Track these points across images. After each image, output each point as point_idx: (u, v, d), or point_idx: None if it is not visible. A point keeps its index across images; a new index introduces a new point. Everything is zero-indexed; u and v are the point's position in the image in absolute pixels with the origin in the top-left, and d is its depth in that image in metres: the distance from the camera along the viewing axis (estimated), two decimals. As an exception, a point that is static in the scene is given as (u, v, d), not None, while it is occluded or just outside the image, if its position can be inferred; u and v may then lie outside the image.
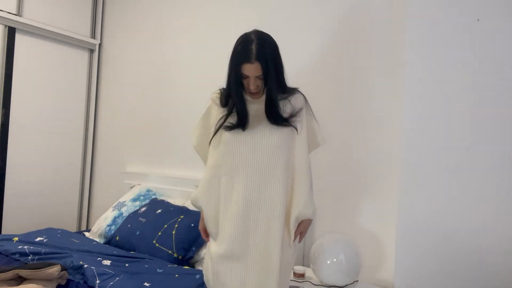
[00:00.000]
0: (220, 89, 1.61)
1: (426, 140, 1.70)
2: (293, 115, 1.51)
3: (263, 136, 1.48)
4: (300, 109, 1.54)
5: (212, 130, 1.56)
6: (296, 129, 1.52)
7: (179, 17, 2.94)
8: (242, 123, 1.49)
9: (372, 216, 2.02)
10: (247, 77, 1.44)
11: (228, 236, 1.45)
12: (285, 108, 1.51)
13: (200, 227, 1.61)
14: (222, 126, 1.51)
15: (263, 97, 1.50)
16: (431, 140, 1.69)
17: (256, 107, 1.53)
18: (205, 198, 1.53)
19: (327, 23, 2.22)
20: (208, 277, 1.54)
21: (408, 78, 1.74)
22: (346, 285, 1.80)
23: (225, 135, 1.51)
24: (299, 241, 1.58)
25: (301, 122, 1.54)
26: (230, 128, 1.49)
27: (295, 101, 1.55)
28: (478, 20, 1.60)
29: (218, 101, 1.58)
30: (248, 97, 1.52)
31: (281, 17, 2.38)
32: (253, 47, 1.40)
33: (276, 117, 1.49)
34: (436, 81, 1.69)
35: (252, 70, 1.41)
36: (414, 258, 1.69)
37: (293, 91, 1.56)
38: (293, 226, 1.52)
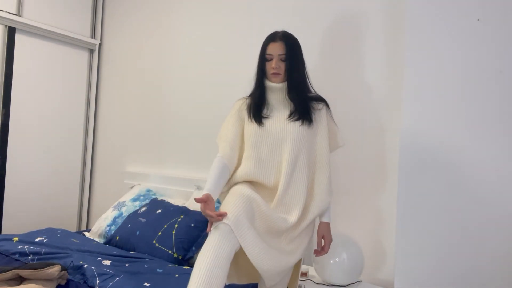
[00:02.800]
0: (243, 98, 1.70)
1: (426, 140, 1.70)
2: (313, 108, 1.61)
3: (285, 126, 1.55)
4: (321, 109, 1.63)
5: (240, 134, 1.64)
6: (311, 121, 1.57)
7: (179, 17, 2.94)
8: (258, 108, 1.58)
9: (372, 216, 2.02)
10: (271, 59, 1.55)
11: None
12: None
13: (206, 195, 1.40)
14: (250, 117, 1.59)
15: (283, 85, 1.58)
16: (431, 140, 1.69)
17: (276, 97, 1.60)
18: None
19: (325, 23, 2.22)
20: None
21: (407, 78, 1.74)
22: (348, 284, 1.81)
23: (250, 127, 1.58)
24: (326, 251, 1.61)
25: (320, 120, 1.62)
26: (256, 117, 1.57)
27: (316, 105, 1.63)
28: (478, 20, 1.60)
29: (243, 107, 1.65)
30: (269, 83, 1.59)
31: (281, 16, 2.38)
32: (280, 32, 1.59)
33: (299, 95, 1.57)
34: (435, 81, 1.69)
35: (275, 48, 1.54)
36: (414, 258, 1.69)
37: (317, 97, 1.66)
38: (312, 214, 1.56)
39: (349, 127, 2.11)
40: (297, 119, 1.55)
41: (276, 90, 1.60)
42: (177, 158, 2.87)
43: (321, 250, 1.60)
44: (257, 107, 1.59)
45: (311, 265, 1.92)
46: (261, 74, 1.60)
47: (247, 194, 1.42)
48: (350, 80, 2.12)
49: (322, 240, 1.61)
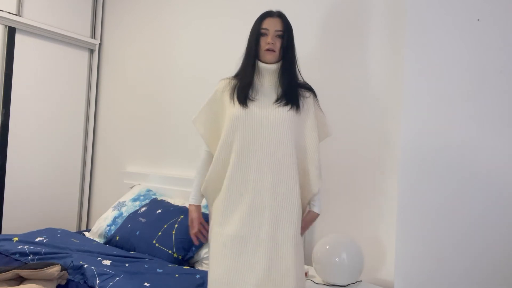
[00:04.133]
0: (228, 77, 1.59)
1: (426, 140, 1.70)
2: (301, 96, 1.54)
3: (272, 111, 1.46)
4: (308, 97, 1.55)
5: (220, 118, 1.55)
6: (298, 107, 1.49)
7: (179, 17, 2.94)
8: (244, 89, 1.47)
9: (372, 216, 2.02)
10: (265, 34, 1.47)
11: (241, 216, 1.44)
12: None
13: (196, 219, 1.60)
14: (233, 98, 1.49)
15: (276, 66, 1.50)
16: (431, 140, 1.69)
17: (264, 79, 1.51)
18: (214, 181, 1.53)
19: (325, 20, 2.22)
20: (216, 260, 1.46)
21: (407, 78, 1.74)
22: (348, 284, 1.81)
23: (233, 109, 1.47)
24: (301, 234, 1.54)
25: (308, 108, 1.53)
26: (240, 99, 1.47)
27: (304, 92, 1.56)
28: (478, 20, 1.60)
29: (226, 88, 1.55)
30: (261, 64, 1.50)
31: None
32: (275, 10, 1.52)
33: (290, 79, 1.49)
34: (435, 81, 1.69)
35: (273, 23, 1.46)
36: (414, 258, 1.69)
37: (306, 85, 1.58)
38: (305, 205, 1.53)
39: (349, 127, 2.10)
40: (285, 104, 1.46)
41: (267, 72, 1.50)
42: (177, 158, 2.87)
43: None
44: (243, 88, 1.48)
45: (311, 265, 1.92)
46: (254, 53, 1.49)
47: (228, 244, 1.41)
48: (350, 80, 2.12)
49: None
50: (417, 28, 1.73)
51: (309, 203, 1.57)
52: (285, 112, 1.45)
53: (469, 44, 1.62)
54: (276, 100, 1.47)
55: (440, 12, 1.68)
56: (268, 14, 1.50)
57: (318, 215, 1.57)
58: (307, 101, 1.54)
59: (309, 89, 1.57)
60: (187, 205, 2.48)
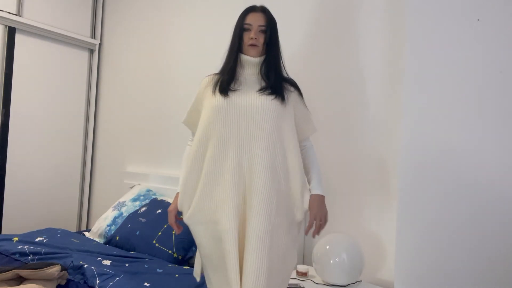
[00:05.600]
0: (212, 74, 1.57)
1: (426, 140, 1.70)
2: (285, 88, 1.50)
3: (255, 99, 1.41)
4: (293, 91, 1.52)
5: (200, 108, 1.53)
6: (283, 99, 1.45)
7: (179, 17, 2.94)
8: (226, 80, 1.44)
9: (372, 216, 2.02)
10: (249, 29, 1.46)
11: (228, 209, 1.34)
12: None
13: (173, 210, 1.50)
14: (214, 91, 1.46)
15: (259, 60, 1.48)
16: (431, 140, 1.69)
17: (247, 72, 1.49)
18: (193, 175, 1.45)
19: (324, 20, 2.22)
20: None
21: (407, 78, 1.74)
22: (348, 284, 1.81)
23: (213, 100, 1.44)
24: (317, 232, 1.44)
25: (293, 102, 1.50)
26: (222, 89, 1.43)
27: (289, 86, 1.53)
28: (478, 20, 1.60)
29: (209, 84, 1.53)
30: (244, 56, 1.47)
31: (281, 16, 2.38)
32: (259, 5, 1.51)
33: (274, 72, 1.46)
34: (435, 82, 1.69)
35: (256, 18, 1.46)
36: (414, 258, 1.69)
37: (290, 80, 1.56)
38: (301, 198, 1.43)
39: (349, 126, 2.10)
40: (270, 94, 1.42)
41: (250, 65, 1.48)
42: (178, 158, 2.87)
43: (313, 228, 1.44)
44: (224, 79, 1.45)
45: (311, 265, 1.92)
46: (237, 47, 1.47)
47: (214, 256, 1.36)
48: (350, 80, 2.12)
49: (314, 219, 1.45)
50: (417, 28, 1.73)
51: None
52: (268, 100, 1.41)
53: (469, 44, 1.62)
54: (260, 89, 1.44)
55: (440, 12, 1.68)
56: (251, 9, 1.49)
57: (322, 196, 1.47)
58: (291, 94, 1.51)
59: (294, 84, 1.55)
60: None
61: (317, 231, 1.45)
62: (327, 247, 1.81)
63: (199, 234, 1.42)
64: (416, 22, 1.74)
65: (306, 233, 1.46)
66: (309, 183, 1.53)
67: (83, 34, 3.33)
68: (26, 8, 2.94)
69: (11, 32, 2.85)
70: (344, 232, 1.99)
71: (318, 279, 1.87)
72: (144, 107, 3.10)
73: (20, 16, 2.90)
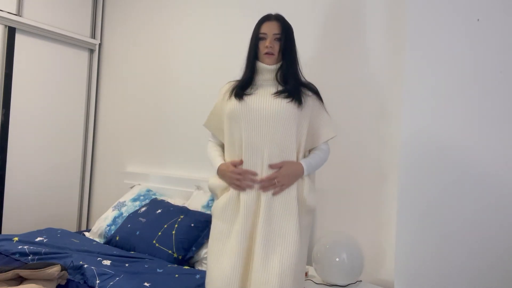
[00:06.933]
0: (233, 81, 1.61)
1: (426, 140, 1.70)
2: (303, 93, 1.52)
3: (270, 102, 1.44)
4: (311, 95, 1.54)
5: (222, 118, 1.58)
6: (300, 102, 1.46)
7: (179, 17, 2.94)
8: (242, 86, 1.50)
9: (372, 216, 2.02)
10: (264, 38, 1.49)
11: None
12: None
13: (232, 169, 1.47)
14: (232, 94, 1.51)
15: (275, 67, 1.51)
16: (431, 140, 1.69)
17: (264, 77, 1.52)
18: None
19: (323, 20, 2.22)
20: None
21: (407, 78, 1.74)
22: (348, 284, 1.81)
23: (230, 104, 1.49)
24: (269, 185, 1.40)
25: (312, 106, 1.52)
26: (237, 94, 1.48)
27: (307, 91, 1.54)
28: (478, 20, 1.60)
29: (229, 90, 1.57)
30: (260, 64, 1.51)
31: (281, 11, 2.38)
32: (274, 14, 1.55)
33: (291, 76, 1.49)
34: (436, 82, 1.69)
35: (270, 26, 1.49)
36: (414, 258, 1.69)
37: (309, 84, 1.57)
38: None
39: (348, 127, 2.10)
40: (286, 97, 1.44)
41: (266, 71, 1.51)
42: (177, 158, 2.87)
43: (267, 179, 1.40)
44: (241, 84, 1.51)
45: (311, 265, 1.92)
46: (253, 55, 1.51)
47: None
48: (350, 80, 2.12)
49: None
50: (417, 28, 1.73)
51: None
52: (284, 103, 1.43)
53: (469, 44, 1.62)
54: (276, 93, 1.46)
55: (440, 12, 1.68)
56: (266, 18, 1.52)
57: (300, 171, 1.45)
58: (309, 99, 1.52)
59: (312, 89, 1.56)
60: (187, 205, 2.48)
61: (266, 187, 1.41)
62: (327, 247, 1.81)
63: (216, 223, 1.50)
64: (416, 22, 1.74)
65: (261, 181, 1.41)
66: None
67: (83, 34, 3.33)
68: (26, 8, 2.94)
69: (11, 32, 2.85)
70: (344, 232, 1.99)
71: (318, 279, 1.87)
72: (144, 107, 3.10)
73: (20, 16, 2.90)
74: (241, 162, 1.44)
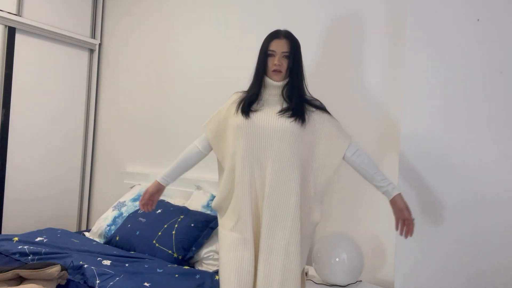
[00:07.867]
0: (241, 91, 1.64)
1: (426, 141, 1.70)
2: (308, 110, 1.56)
3: (274, 120, 1.49)
4: (315, 111, 1.56)
5: (223, 127, 1.62)
6: (304, 121, 1.50)
7: (179, 17, 2.94)
8: (249, 101, 1.53)
9: (372, 216, 2.02)
10: (272, 55, 1.51)
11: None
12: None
13: (149, 194, 1.63)
14: (237, 110, 1.55)
15: (282, 83, 1.54)
16: (431, 141, 1.69)
17: (270, 93, 1.55)
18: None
19: (325, 24, 2.22)
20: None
21: (407, 79, 1.74)
22: (348, 284, 1.81)
23: (236, 119, 1.53)
24: (409, 232, 1.47)
25: (317, 122, 1.55)
26: (243, 110, 1.52)
27: (311, 107, 1.57)
28: (478, 20, 1.60)
29: (236, 101, 1.60)
30: (268, 80, 1.54)
31: (281, 17, 2.38)
32: (282, 30, 1.56)
33: (296, 94, 1.52)
34: (436, 82, 1.69)
35: (279, 44, 1.50)
36: (414, 258, 1.69)
37: (313, 100, 1.59)
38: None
39: (348, 127, 2.10)
40: (290, 116, 1.49)
41: (273, 87, 1.55)
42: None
43: (406, 223, 1.46)
44: (247, 100, 1.54)
45: (311, 265, 1.92)
46: (262, 70, 1.55)
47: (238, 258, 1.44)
48: (350, 80, 2.12)
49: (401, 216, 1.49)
50: (417, 29, 1.74)
51: (384, 192, 1.53)
52: (287, 122, 1.48)
53: (469, 44, 1.62)
54: (280, 111, 1.51)
55: (440, 12, 1.68)
56: (275, 36, 1.53)
57: (399, 195, 1.49)
58: (312, 115, 1.54)
59: (315, 105, 1.57)
60: (187, 205, 2.48)
61: (410, 230, 1.48)
62: (327, 247, 1.81)
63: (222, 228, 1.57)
64: (416, 22, 1.74)
65: (401, 233, 1.48)
66: (378, 185, 1.53)
67: (83, 34, 3.33)
68: (26, 8, 2.94)
69: (11, 32, 2.85)
70: (344, 232, 1.99)
71: (318, 279, 1.87)
72: (144, 107, 3.10)
73: (20, 16, 2.90)
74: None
